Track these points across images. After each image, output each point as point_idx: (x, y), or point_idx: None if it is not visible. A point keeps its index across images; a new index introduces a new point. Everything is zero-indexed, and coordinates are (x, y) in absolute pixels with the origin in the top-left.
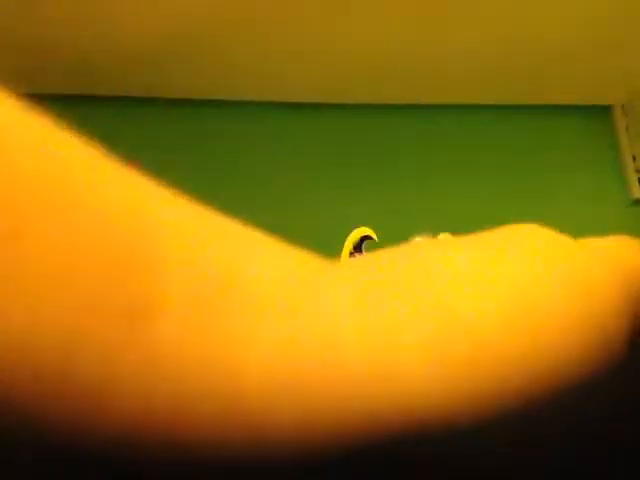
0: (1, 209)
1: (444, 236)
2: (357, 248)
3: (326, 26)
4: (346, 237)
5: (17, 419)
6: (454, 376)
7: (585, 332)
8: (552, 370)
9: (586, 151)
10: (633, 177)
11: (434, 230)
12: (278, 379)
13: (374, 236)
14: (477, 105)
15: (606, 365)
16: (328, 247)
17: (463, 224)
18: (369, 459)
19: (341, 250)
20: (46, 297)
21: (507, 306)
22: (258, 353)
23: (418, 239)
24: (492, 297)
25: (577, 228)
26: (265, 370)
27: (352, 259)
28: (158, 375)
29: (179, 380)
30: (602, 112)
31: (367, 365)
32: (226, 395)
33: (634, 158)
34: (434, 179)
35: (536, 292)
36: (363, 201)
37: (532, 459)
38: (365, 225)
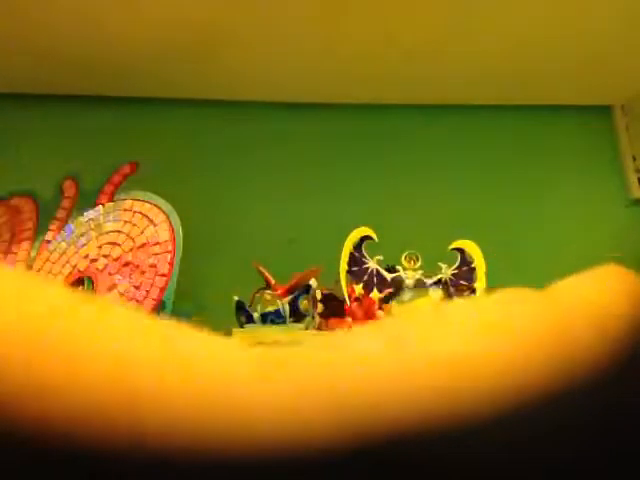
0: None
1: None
2: (357, 248)
3: (326, 26)
4: (346, 237)
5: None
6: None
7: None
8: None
9: (586, 151)
10: (633, 177)
11: (433, 230)
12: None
13: (374, 236)
14: (477, 105)
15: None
16: (328, 247)
17: (463, 223)
18: (365, 461)
19: (341, 250)
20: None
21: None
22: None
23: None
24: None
25: (577, 228)
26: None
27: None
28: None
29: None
30: (602, 112)
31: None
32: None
33: (634, 158)
34: (434, 179)
35: (513, 324)
36: (363, 201)
37: (531, 459)
38: (365, 225)
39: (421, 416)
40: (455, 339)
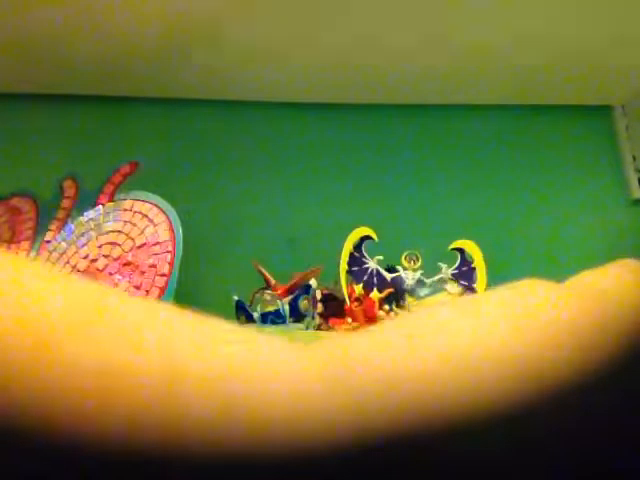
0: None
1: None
2: (357, 248)
3: (326, 26)
4: (346, 237)
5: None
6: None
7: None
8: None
9: (586, 151)
10: (633, 177)
11: (433, 230)
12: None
13: (374, 236)
14: (477, 105)
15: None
16: (328, 247)
17: (463, 223)
18: (366, 460)
19: (341, 250)
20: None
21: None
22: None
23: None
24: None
25: (577, 228)
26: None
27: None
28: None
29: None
30: (602, 112)
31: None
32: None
33: (634, 158)
34: (434, 179)
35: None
36: (363, 201)
37: (538, 458)
38: (365, 225)
39: (432, 416)
40: (470, 338)
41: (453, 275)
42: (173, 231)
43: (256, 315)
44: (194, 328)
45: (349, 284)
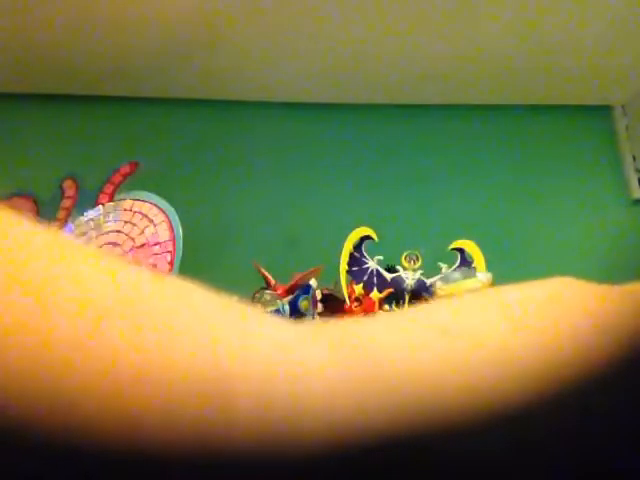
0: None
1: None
2: (357, 248)
3: (327, 26)
4: (346, 237)
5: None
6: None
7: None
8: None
9: (586, 151)
10: (633, 177)
11: (433, 230)
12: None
13: (374, 236)
14: (478, 105)
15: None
16: (328, 247)
17: (463, 223)
18: (366, 460)
19: (341, 250)
20: None
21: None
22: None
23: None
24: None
25: (577, 228)
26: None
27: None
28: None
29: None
30: (602, 112)
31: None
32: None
33: (634, 158)
34: (434, 179)
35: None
36: (363, 201)
37: (532, 459)
38: (365, 225)
39: (432, 416)
40: (470, 339)
41: None
42: (173, 231)
43: None
44: (228, 312)
45: (349, 284)
